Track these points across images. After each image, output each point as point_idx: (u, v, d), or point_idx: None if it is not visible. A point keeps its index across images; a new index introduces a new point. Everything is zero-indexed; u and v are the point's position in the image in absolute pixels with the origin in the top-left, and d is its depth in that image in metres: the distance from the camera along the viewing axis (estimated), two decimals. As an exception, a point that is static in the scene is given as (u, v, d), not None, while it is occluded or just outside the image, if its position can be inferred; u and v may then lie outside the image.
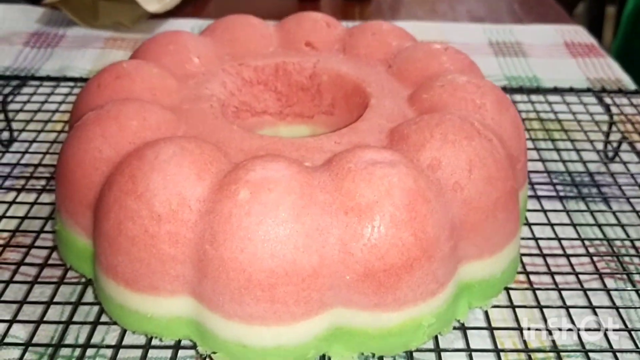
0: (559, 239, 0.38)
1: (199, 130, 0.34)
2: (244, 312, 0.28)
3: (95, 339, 0.32)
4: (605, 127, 0.49)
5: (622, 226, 0.40)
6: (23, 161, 0.46)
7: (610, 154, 0.47)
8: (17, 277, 0.35)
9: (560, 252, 0.38)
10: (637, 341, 0.32)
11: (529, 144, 0.48)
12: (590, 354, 0.31)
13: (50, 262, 0.36)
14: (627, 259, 0.38)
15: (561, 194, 0.43)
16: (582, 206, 0.42)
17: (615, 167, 0.46)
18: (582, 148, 0.47)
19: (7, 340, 0.31)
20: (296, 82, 0.42)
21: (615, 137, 0.48)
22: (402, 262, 0.28)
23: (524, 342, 0.32)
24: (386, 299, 0.29)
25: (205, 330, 0.30)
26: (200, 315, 0.29)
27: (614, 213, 0.41)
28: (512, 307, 0.34)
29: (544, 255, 0.37)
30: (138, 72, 0.37)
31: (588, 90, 0.53)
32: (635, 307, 0.35)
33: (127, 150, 0.32)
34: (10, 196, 0.42)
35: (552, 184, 0.44)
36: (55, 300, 0.34)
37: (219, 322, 0.29)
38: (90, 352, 0.31)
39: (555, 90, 0.53)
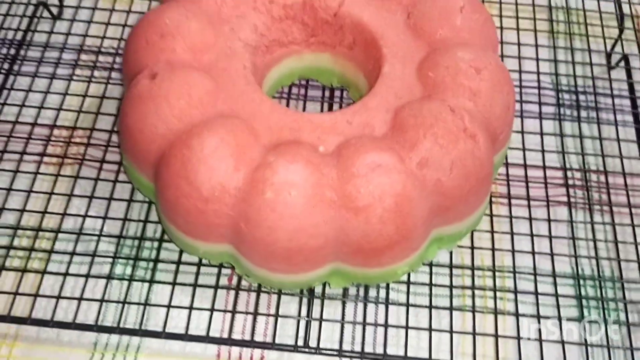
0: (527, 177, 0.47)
1: (233, 100, 0.41)
2: (269, 267, 0.40)
3: (162, 255, 0.44)
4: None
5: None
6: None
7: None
8: (97, 193, 0.46)
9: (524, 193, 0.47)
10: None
11: (531, 40, 0.54)
12: (518, 276, 0.43)
13: (119, 178, 0.46)
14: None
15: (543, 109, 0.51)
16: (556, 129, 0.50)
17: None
18: (579, 47, 0.54)
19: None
20: (321, 18, 0.46)
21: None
22: (385, 245, 0.38)
23: (472, 281, 0.43)
24: (371, 263, 0.40)
25: (240, 263, 0.41)
26: (237, 256, 0.41)
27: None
28: (472, 248, 0.44)
29: (510, 198, 0.46)
30: (179, 30, 0.42)
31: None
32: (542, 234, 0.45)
33: (177, 127, 0.39)
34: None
35: (539, 88, 0.52)
36: (129, 217, 0.45)
37: (251, 265, 0.40)
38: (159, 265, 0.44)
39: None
